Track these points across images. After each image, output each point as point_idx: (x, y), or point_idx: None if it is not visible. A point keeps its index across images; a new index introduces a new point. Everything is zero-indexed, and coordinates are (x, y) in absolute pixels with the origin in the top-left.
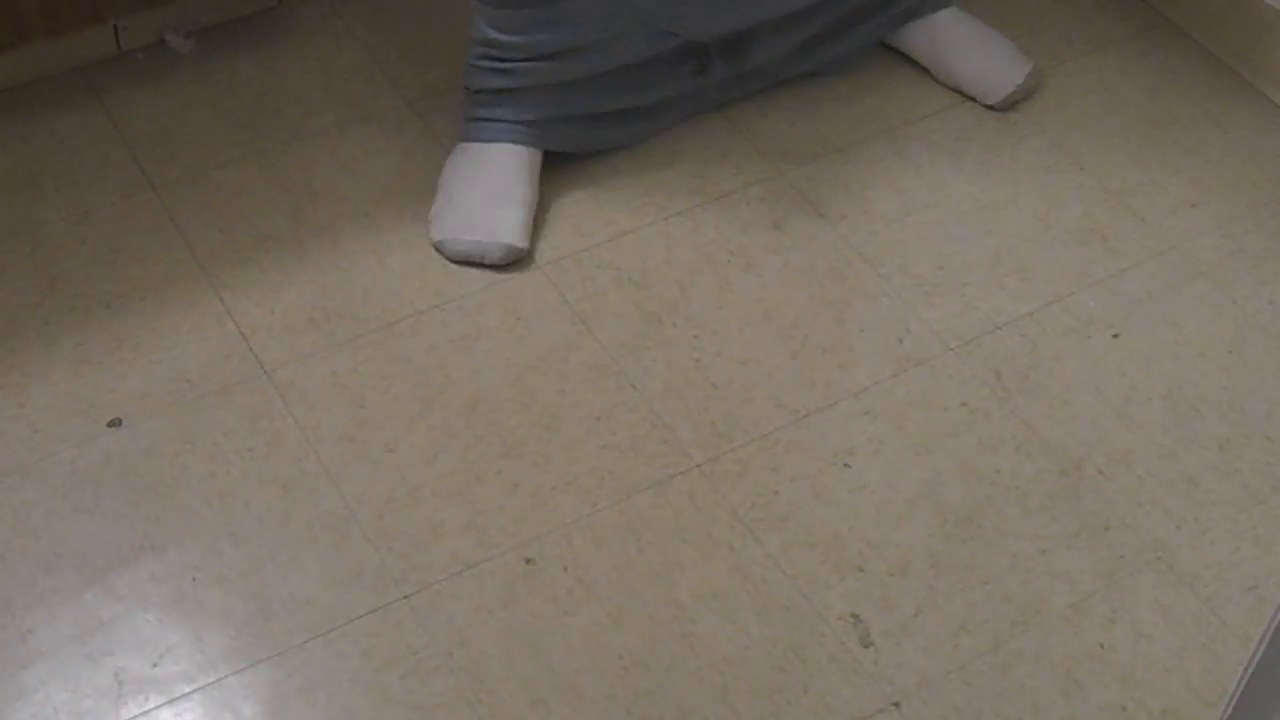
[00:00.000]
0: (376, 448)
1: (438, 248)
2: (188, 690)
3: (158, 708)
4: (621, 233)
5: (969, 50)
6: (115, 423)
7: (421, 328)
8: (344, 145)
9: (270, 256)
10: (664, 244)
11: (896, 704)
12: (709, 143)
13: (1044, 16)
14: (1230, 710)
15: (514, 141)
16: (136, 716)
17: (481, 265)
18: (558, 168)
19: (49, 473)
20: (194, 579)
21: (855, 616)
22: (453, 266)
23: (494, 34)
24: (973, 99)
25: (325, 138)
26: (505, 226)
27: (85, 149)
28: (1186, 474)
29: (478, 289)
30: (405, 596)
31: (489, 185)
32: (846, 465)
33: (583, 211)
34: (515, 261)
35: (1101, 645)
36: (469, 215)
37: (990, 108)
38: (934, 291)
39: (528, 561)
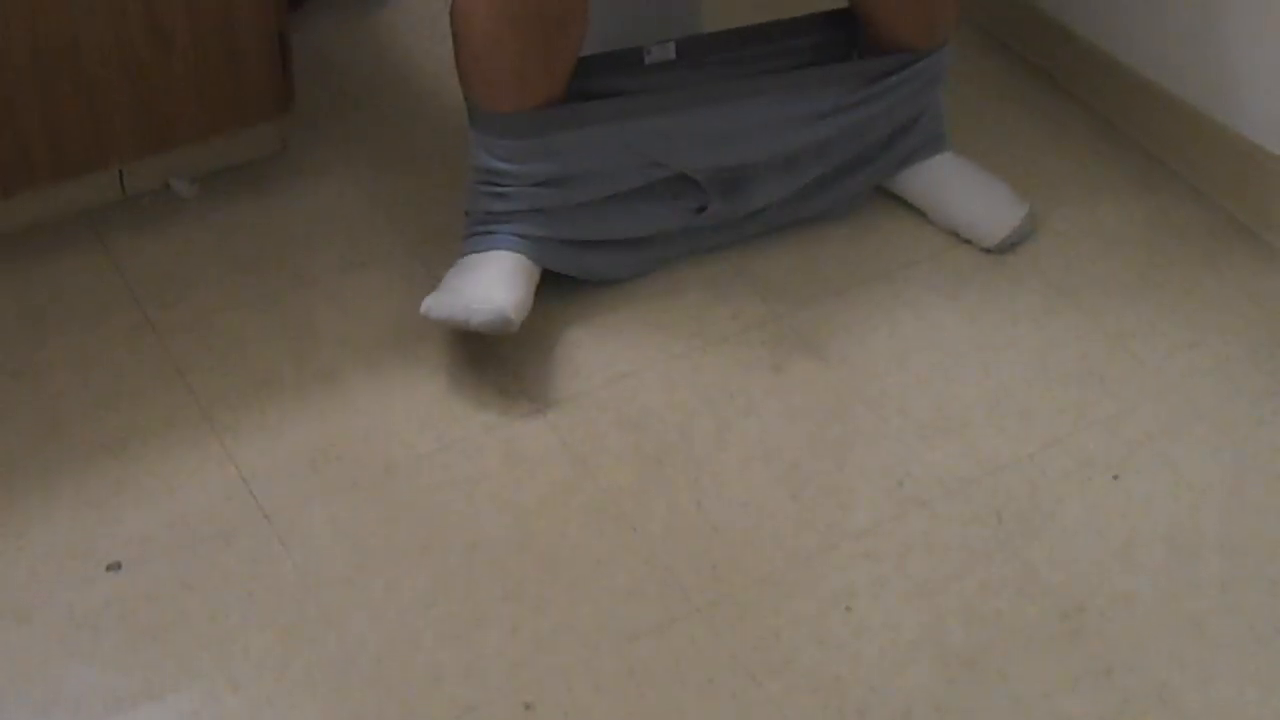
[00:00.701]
0: (376, 591)
1: (425, 313)
2: None
3: None
4: (621, 375)
5: (965, 194)
6: (115, 566)
7: (422, 471)
8: (346, 289)
9: (271, 400)
10: (664, 386)
11: None
12: (708, 284)
13: (1039, 160)
14: None
15: (511, 250)
16: None
17: (465, 328)
18: (556, 305)
19: (47, 616)
20: None
21: None
22: (454, 409)
23: (492, 162)
24: (970, 242)
25: (328, 281)
26: (497, 298)
27: (88, 292)
28: (1190, 616)
29: (478, 432)
30: None
31: (485, 274)
32: (848, 608)
33: (582, 352)
34: (500, 330)
35: None
36: (461, 289)
37: (987, 250)
38: (934, 434)
39: (527, 707)
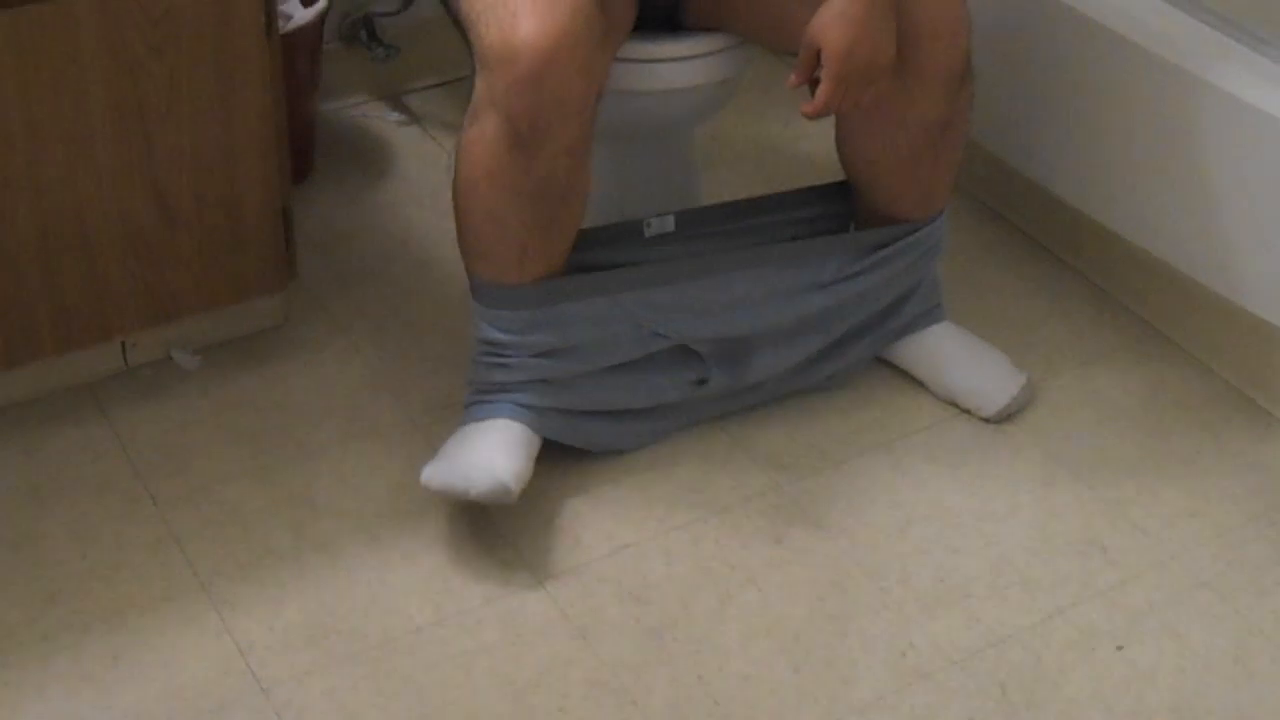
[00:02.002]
0: None
1: (425, 484)
2: None
3: None
4: (621, 546)
5: (964, 364)
6: None
7: (421, 645)
8: (347, 460)
9: (270, 572)
10: (664, 558)
11: None
12: (708, 454)
13: (1036, 329)
14: None
15: (512, 419)
16: None
17: (465, 498)
18: (558, 477)
19: None
20: None
21: None
22: (453, 581)
23: (494, 333)
24: (969, 412)
25: (328, 453)
26: (496, 467)
27: (89, 464)
28: None
29: (477, 605)
30: None
31: (485, 442)
32: None
33: (582, 524)
34: (500, 500)
35: None
36: (460, 457)
37: (986, 420)
38: (936, 604)
39: None
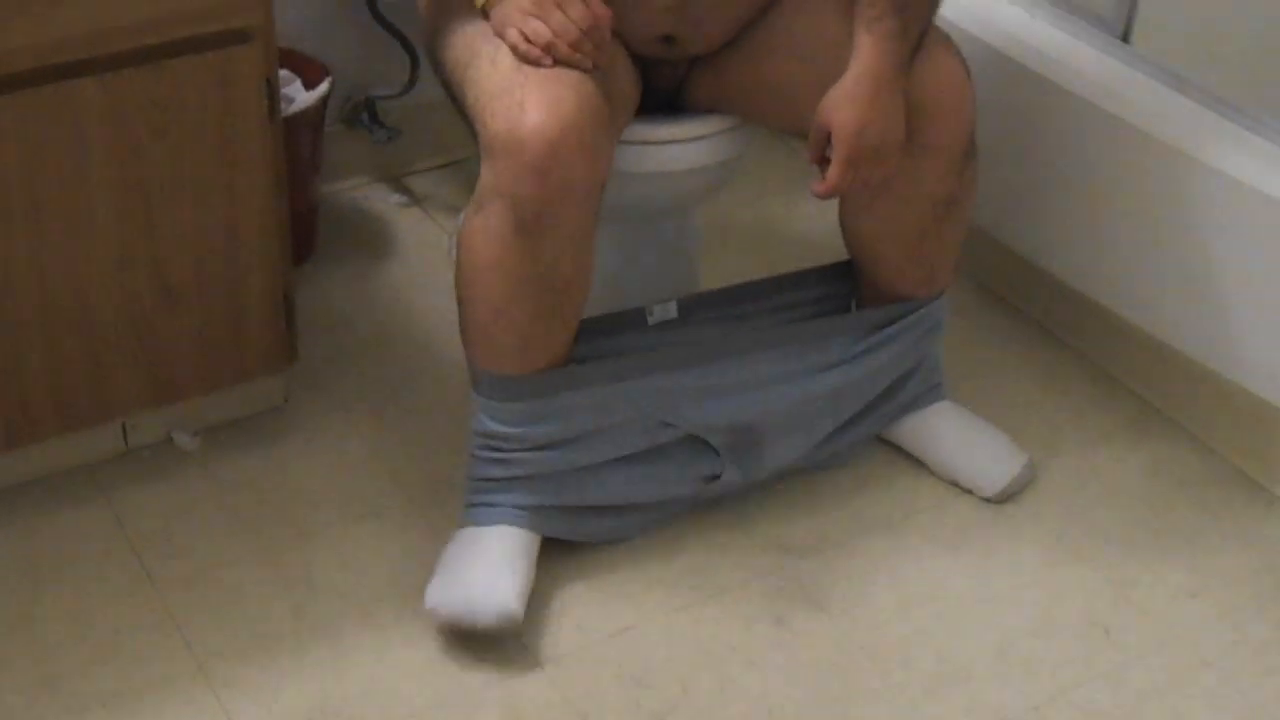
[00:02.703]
0: None
1: (431, 613)
2: None
3: None
4: (623, 628)
5: (964, 443)
6: None
7: None
8: (346, 542)
9: (269, 655)
10: (666, 641)
11: None
12: (710, 535)
13: (1036, 408)
14: None
15: (512, 524)
16: None
17: (473, 630)
18: (557, 559)
19: None
20: None
21: None
22: (452, 665)
23: (492, 425)
24: (970, 491)
25: (328, 534)
26: (500, 591)
27: (88, 546)
28: None
29: (477, 688)
30: None
31: (486, 558)
32: None
33: (583, 606)
34: (508, 629)
35: None
36: (463, 582)
37: (988, 499)
38: (938, 687)
39: None
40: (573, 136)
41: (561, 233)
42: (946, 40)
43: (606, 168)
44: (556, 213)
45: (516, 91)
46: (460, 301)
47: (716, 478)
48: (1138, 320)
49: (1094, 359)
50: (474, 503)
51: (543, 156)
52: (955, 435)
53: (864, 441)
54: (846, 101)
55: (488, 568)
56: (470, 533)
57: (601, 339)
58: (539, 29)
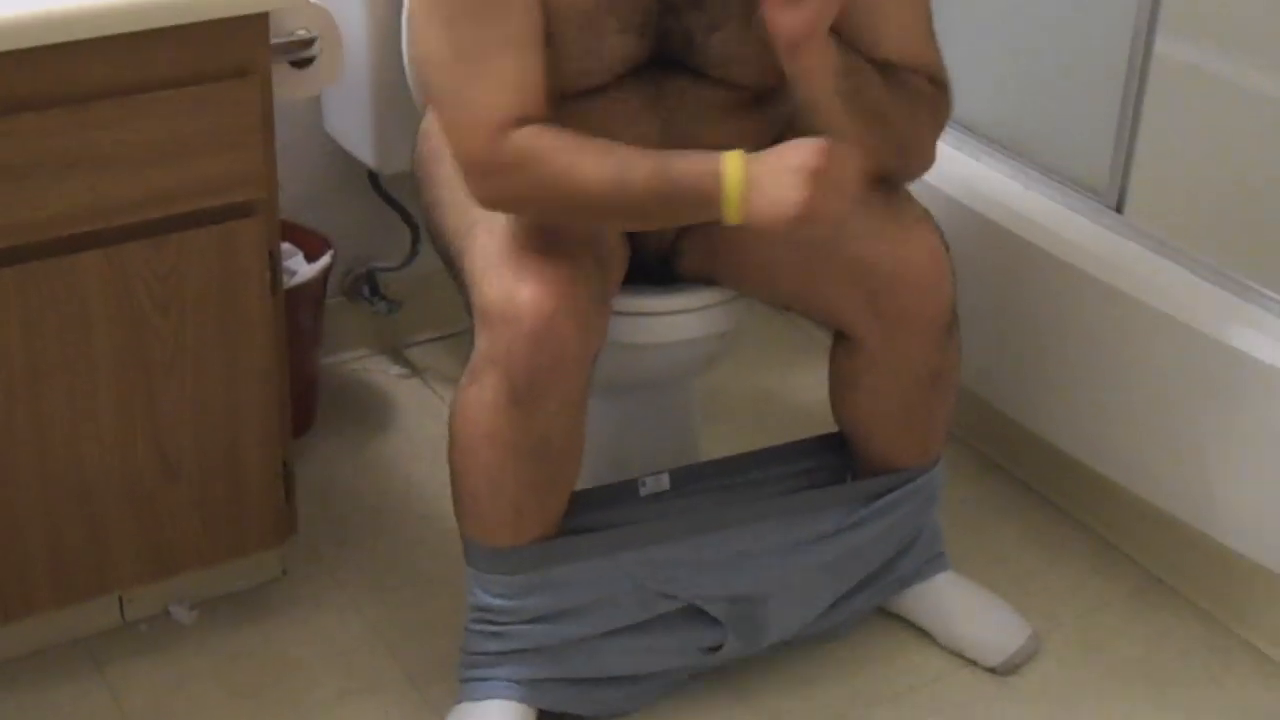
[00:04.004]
0: None
1: None
2: None
3: None
4: None
5: (968, 614)
6: None
7: None
8: (344, 718)
9: None
10: None
11: None
12: (710, 709)
13: (1038, 578)
14: None
15: (508, 699)
16: None
17: None
18: None
19: None
20: None
21: None
22: None
23: (487, 599)
24: (974, 662)
25: (325, 709)
26: None
27: None
28: None
29: None
30: None
31: None
32: None
33: None
34: None
35: None
36: None
37: (992, 670)
38: None
39: None
40: (566, 307)
41: (555, 402)
42: (925, 216)
43: (600, 337)
44: (549, 382)
45: (512, 261)
46: (454, 473)
47: (718, 648)
48: (1136, 488)
49: (1094, 528)
50: (469, 677)
51: (537, 327)
52: (958, 606)
53: (867, 614)
54: None
55: None
56: (466, 708)
57: (593, 511)
58: None
